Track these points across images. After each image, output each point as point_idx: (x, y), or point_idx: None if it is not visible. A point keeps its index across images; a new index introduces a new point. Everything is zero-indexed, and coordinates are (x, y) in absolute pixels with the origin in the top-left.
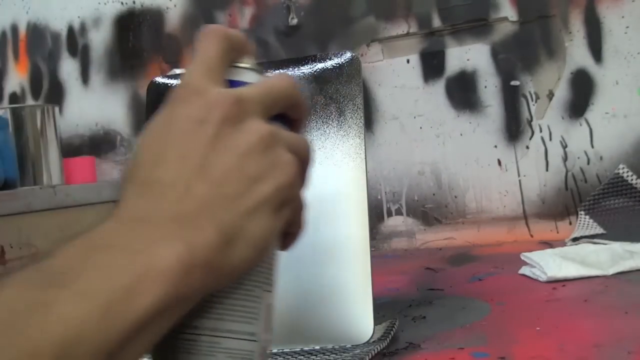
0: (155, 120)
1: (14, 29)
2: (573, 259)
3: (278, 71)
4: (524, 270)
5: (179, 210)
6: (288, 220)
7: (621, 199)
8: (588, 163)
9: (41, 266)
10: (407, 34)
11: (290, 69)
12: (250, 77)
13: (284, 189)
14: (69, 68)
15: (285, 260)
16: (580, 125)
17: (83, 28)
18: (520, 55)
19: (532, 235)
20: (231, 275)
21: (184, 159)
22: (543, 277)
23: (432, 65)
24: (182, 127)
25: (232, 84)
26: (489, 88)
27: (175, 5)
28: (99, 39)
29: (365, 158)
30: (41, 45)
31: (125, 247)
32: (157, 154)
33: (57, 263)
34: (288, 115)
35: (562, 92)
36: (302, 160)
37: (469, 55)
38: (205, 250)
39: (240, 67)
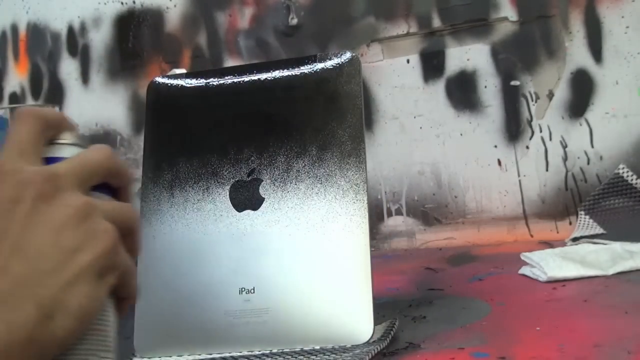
0: None
1: (14, 29)
2: (573, 259)
3: (96, 145)
4: (524, 270)
5: None
6: (114, 286)
7: (621, 199)
8: (588, 163)
9: None
10: (407, 34)
11: (290, 69)
12: (69, 152)
13: (102, 256)
14: (69, 68)
15: (284, 260)
16: (580, 125)
17: (83, 28)
18: (520, 55)
19: (532, 235)
20: (57, 348)
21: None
22: (543, 277)
23: (432, 65)
24: None
25: (50, 161)
26: (489, 88)
27: (175, 5)
28: (99, 39)
29: (365, 158)
30: (41, 45)
31: None
32: None
33: None
34: (111, 185)
35: (562, 92)
36: (125, 226)
37: (469, 55)
38: (24, 326)
39: (58, 143)
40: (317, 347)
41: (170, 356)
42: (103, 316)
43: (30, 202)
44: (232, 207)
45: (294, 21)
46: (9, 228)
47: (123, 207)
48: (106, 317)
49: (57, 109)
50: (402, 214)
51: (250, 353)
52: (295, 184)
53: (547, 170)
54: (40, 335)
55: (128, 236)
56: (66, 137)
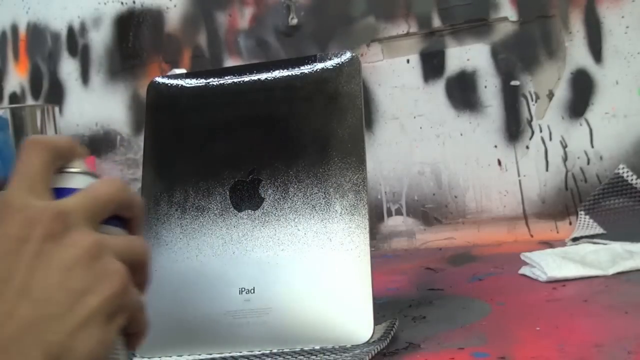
0: None
1: (14, 29)
2: (573, 259)
3: (107, 177)
4: (524, 270)
5: (2, 337)
6: (123, 326)
7: (621, 199)
8: (588, 163)
9: None
10: (407, 34)
11: (290, 69)
12: (79, 181)
13: (112, 299)
14: (69, 68)
15: (284, 260)
16: (580, 125)
17: (83, 28)
18: (520, 55)
19: (532, 235)
20: None
21: (5, 282)
22: (543, 277)
23: (432, 65)
24: (3, 249)
25: (59, 192)
26: (489, 88)
27: (175, 5)
28: (99, 39)
29: (365, 158)
30: (41, 45)
31: None
32: None
33: None
34: (122, 216)
35: (562, 92)
36: (136, 263)
37: (469, 55)
38: None
39: (68, 172)
40: (317, 347)
41: (171, 356)
42: (113, 355)
43: (38, 242)
44: (232, 207)
45: (294, 21)
46: (15, 269)
47: (134, 242)
48: (116, 355)
49: (57, 108)
50: (402, 214)
51: (250, 353)
52: (295, 184)
53: (547, 170)
54: None
55: (138, 271)
56: (76, 165)
